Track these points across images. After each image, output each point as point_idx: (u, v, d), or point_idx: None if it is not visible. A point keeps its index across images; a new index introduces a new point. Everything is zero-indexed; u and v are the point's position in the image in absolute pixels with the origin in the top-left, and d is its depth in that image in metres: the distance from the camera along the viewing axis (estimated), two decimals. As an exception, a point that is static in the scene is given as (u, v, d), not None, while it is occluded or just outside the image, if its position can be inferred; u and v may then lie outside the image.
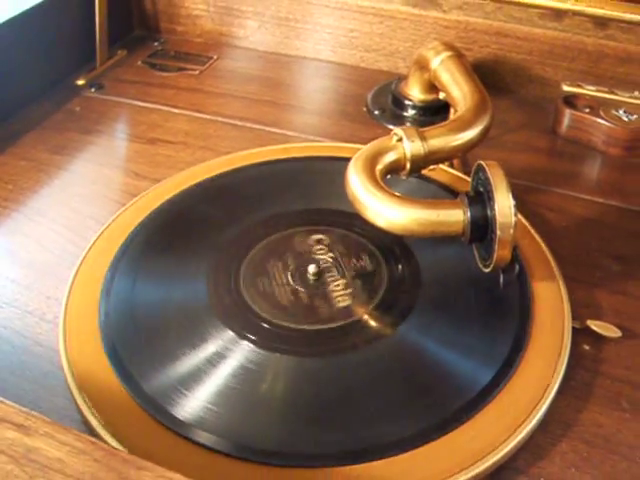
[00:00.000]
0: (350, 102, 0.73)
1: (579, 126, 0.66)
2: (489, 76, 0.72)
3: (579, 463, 0.41)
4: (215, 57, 0.82)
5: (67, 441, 0.31)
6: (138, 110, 0.73)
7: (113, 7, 0.79)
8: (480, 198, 0.45)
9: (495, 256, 0.44)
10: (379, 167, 0.48)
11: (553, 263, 0.51)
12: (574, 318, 0.48)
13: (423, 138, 0.49)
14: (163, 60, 0.82)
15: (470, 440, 0.40)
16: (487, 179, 0.44)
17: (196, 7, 0.85)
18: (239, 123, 0.70)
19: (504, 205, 0.43)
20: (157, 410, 0.41)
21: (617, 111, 0.66)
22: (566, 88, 0.69)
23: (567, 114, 0.66)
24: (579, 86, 0.69)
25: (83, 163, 0.66)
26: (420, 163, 0.50)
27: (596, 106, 0.67)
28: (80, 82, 0.77)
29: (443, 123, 0.52)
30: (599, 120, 0.65)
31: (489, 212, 0.44)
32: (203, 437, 0.40)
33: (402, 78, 0.72)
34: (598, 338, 0.48)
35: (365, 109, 0.72)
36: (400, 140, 0.49)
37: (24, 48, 0.72)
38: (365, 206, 0.46)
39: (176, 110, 0.73)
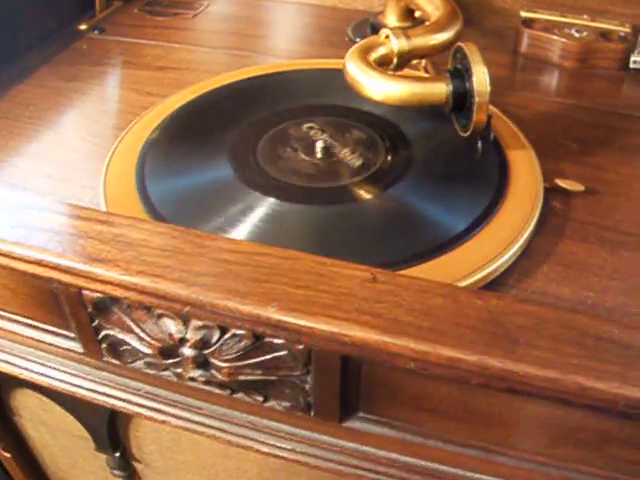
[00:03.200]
0: (333, 34, 0.81)
1: (537, 44, 0.75)
2: (455, 9, 0.81)
3: (559, 279, 0.49)
4: (206, 4, 0.89)
5: (147, 227, 0.38)
6: (141, 46, 0.80)
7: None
8: (459, 73, 0.53)
9: (474, 119, 0.52)
10: (373, 56, 0.56)
11: (524, 139, 0.60)
12: (545, 180, 0.56)
13: (407, 36, 0.58)
14: (157, 7, 0.89)
15: (462, 261, 0.48)
16: (465, 55, 0.52)
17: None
18: (235, 52, 0.77)
19: (480, 73, 0.51)
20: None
21: (570, 30, 0.75)
22: (524, 14, 0.78)
23: (526, 34, 0.76)
24: (535, 12, 0.78)
25: (98, 87, 0.72)
26: (405, 58, 0.58)
27: (551, 27, 0.76)
28: (82, 27, 0.84)
29: (423, 25, 0.60)
30: (554, 37, 0.74)
31: (467, 83, 0.52)
32: None
33: (378, 13, 0.80)
34: (566, 196, 0.56)
35: (347, 39, 0.80)
36: (388, 37, 0.57)
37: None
38: (363, 85, 0.54)
39: (176, 45, 0.79)
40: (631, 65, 0.73)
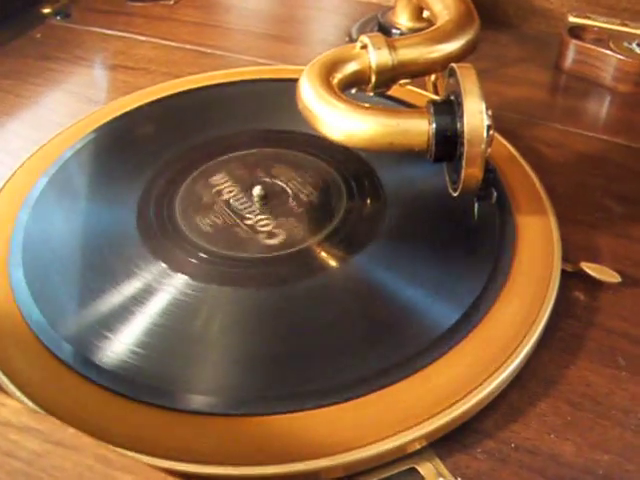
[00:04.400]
0: (333, 33, 0.66)
1: (585, 59, 0.58)
2: (489, 9, 0.65)
3: (560, 428, 0.34)
4: (194, -12, 0.75)
5: None
6: (103, 38, 0.67)
7: None
8: (449, 107, 0.37)
9: (463, 174, 0.36)
10: (338, 75, 0.41)
11: (545, 198, 0.44)
12: (566, 260, 0.40)
13: (392, 47, 0.42)
14: (138, -9, 0.75)
15: (426, 391, 0.33)
16: (457, 82, 0.37)
17: None
18: (209, 51, 0.63)
19: (474, 111, 0.35)
20: (67, 353, 0.35)
21: (629, 44, 0.58)
22: (572, 20, 0.61)
23: (572, 46, 0.58)
24: (587, 17, 0.61)
25: (36, 88, 0.59)
26: (388, 76, 0.42)
27: (606, 38, 0.59)
28: (46, 10, 0.71)
29: (419, 32, 0.44)
30: (608, 52, 0.57)
31: (458, 123, 0.36)
32: (125, 386, 0.33)
33: (390, 8, 0.65)
34: (593, 285, 0.40)
35: (347, 39, 0.64)
36: (365, 47, 0.42)
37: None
38: (315, 115, 0.39)
39: (143, 37, 0.66)
40: None
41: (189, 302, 0.37)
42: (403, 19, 0.61)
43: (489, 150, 0.36)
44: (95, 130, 0.49)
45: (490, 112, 0.36)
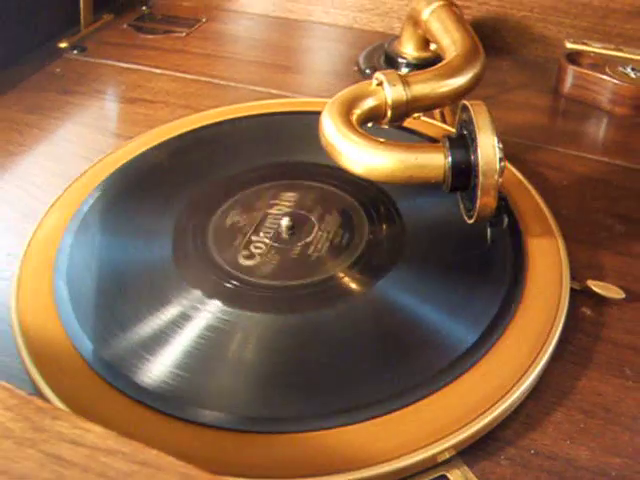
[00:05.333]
0: (341, 62, 0.69)
1: (583, 84, 0.62)
2: (489, 35, 0.68)
3: (575, 435, 0.37)
4: (204, 20, 0.79)
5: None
6: (119, 71, 0.70)
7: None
8: (463, 141, 0.41)
9: (478, 204, 0.39)
10: (357, 111, 0.44)
11: (552, 220, 0.47)
12: (574, 279, 0.43)
13: (406, 83, 0.45)
14: (150, 23, 0.79)
15: (452, 406, 0.36)
16: (470, 119, 0.40)
17: (185, -31, 0.81)
18: (223, 82, 0.66)
19: (487, 145, 0.38)
20: (113, 375, 0.38)
21: (624, 68, 0.61)
22: (570, 46, 0.64)
23: (570, 71, 0.62)
24: (584, 44, 0.64)
25: (58, 122, 0.62)
26: (403, 110, 0.45)
27: (602, 63, 0.62)
28: (63, 45, 0.74)
29: (430, 68, 0.48)
30: (605, 77, 0.60)
31: (472, 156, 0.40)
32: (169, 406, 0.36)
33: (396, 38, 0.68)
34: (599, 301, 0.43)
35: (356, 68, 0.68)
36: (380, 84, 0.45)
37: (6, 10, 0.69)
38: (339, 152, 0.42)
39: (158, 70, 0.69)
40: (700, 113, 0.59)
41: (223, 327, 0.40)
42: (409, 48, 0.65)
43: (501, 180, 0.39)
44: (125, 164, 0.52)
45: (501, 145, 0.39)
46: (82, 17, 0.76)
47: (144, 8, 0.82)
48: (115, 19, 0.80)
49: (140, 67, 0.70)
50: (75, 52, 0.73)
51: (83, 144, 0.59)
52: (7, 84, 0.67)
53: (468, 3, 0.69)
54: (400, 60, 0.65)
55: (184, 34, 0.76)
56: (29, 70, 0.70)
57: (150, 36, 0.76)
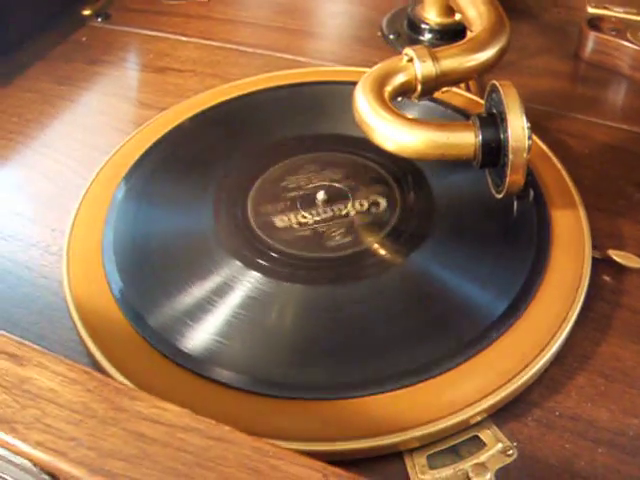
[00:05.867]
0: (364, 27, 0.70)
1: (604, 50, 0.62)
2: (511, -2, 0.68)
3: (596, 397, 0.39)
4: (226, -17, 0.79)
5: (60, 371, 0.30)
6: (146, 39, 0.71)
7: None
8: (493, 120, 0.42)
9: (507, 181, 0.41)
10: (388, 88, 0.45)
11: (574, 191, 0.49)
12: (595, 248, 0.46)
13: (435, 58, 0.47)
14: (172, -13, 0.79)
15: (483, 372, 0.38)
16: (500, 100, 0.41)
17: None
18: (249, 50, 0.67)
19: (517, 126, 0.40)
20: (161, 342, 0.40)
21: (647, 33, 0.62)
22: (591, 10, 0.65)
23: (591, 37, 0.63)
24: (606, 8, 0.65)
25: (88, 93, 0.64)
26: (432, 85, 0.47)
27: (623, 29, 0.63)
28: (86, 12, 0.75)
29: (457, 43, 0.49)
30: (626, 43, 0.61)
31: (502, 135, 0.41)
32: (211, 371, 0.39)
33: (419, 1, 0.68)
34: (619, 269, 0.46)
35: (380, 34, 0.68)
36: (411, 60, 0.46)
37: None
38: (372, 129, 0.44)
39: (184, 38, 0.70)
40: None
41: (263, 297, 0.42)
42: (432, 14, 0.65)
43: (529, 158, 0.41)
44: (163, 136, 0.54)
45: (529, 124, 0.41)
46: (104, -18, 0.77)
47: (164, -29, 0.83)
48: (137, -16, 0.80)
49: (166, 35, 0.71)
50: (100, 20, 0.74)
51: (116, 116, 0.61)
52: (35, 54, 0.69)
53: (490, -35, 0.69)
54: (423, 26, 0.66)
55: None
56: (55, 39, 0.71)
57: (173, 2, 0.76)
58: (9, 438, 0.28)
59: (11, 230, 0.51)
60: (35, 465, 0.28)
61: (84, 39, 0.71)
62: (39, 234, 0.50)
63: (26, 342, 0.31)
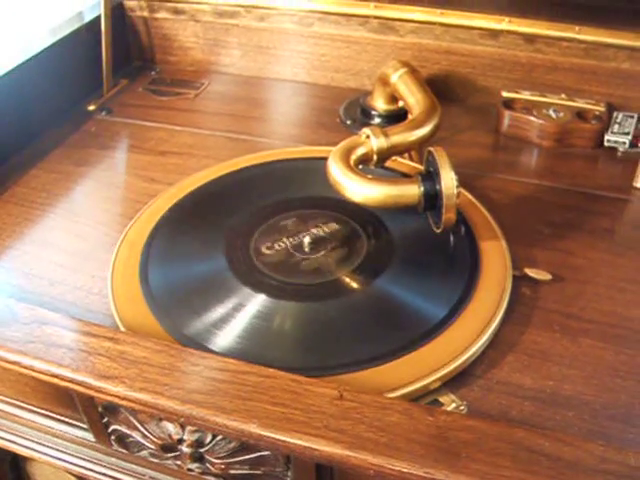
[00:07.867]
0: (325, 115, 0.87)
1: (517, 124, 0.80)
2: (441, 88, 0.86)
3: (522, 369, 0.54)
4: (206, 83, 0.95)
5: (148, 345, 0.43)
6: (145, 129, 0.86)
7: (114, 42, 0.92)
8: (430, 176, 0.59)
9: (443, 219, 0.57)
10: (353, 157, 0.62)
11: (496, 228, 0.64)
12: (515, 268, 0.61)
13: (386, 135, 0.63)
14: (161, 87, 0.95)
15: (437, 354, 0.53)
16: (434, 160, 0.58)
17: (187, 40, 0.98)
18: (233, 136, 0.83)
19: (448, 178, 0.56)
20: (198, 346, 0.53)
21: (547, 111, 0.80)
22: (505, 94, 0.83)
23: (507, 115, 0.81)
24: (516, 92, 0.83)
25: (105, 173, 0.78)
26: (385, 155, 0.63)
27: (530, 107, 0.81)
28: (91, 107, 0.90)
29: (401, 123, 0.66)
30: (533, 118, 0.79)
31: (437, 185, 0.57)
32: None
33: (368, 93, 0.86)
34: (534, 282, 0.61)
35: (338, 120, 0.85)
36: (368, 137, 0.63)
37: (43, 80, 0.85)
38: (344, 187, 0.59)
39: (178, 127, 0.85)
40: (605, 143, 0.78)
41: (267, 311, 0.56)
42: (380, 103, 0.82)
43: (458, 201, 0.57)
44: (175, 204, 0.68)
45: (457, 177, 0.57)
46: (105, 84, 0.92)
47: (153, 72, 0.99)
48: (130, 83, 0.96)
49: (162, 125, 0.86)
50: (103, 113, 0.89)
51: (131, 190, 0.75)
52: (53, 142, 0.83)
53: (424, 63, 0.87)
54: (373, 112, 0.83)
55: (192, 96, 0.92)
56: (68, 130, 0.86)
57: (165, 98, 0.92)
58: (120, 389, 0.41)
59: (57, 278, 0.63)
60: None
61: (93, 129, 0.86)
62: (81, 280, 0.63)
63: (118, 329, 0.44)
